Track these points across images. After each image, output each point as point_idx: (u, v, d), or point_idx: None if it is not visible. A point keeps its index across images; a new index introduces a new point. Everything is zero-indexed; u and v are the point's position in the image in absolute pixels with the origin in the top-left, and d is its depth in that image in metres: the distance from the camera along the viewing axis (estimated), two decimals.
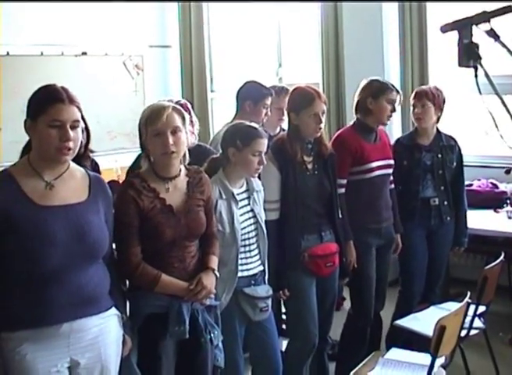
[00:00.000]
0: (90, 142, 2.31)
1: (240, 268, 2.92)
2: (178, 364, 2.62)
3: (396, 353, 3.24)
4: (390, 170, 3.74)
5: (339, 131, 3.90)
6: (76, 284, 2.16)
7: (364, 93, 3.68)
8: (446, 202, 3.92)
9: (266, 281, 3.08)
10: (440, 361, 2.97)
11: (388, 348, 3.51)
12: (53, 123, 2.11)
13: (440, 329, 2.71)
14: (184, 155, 2.59)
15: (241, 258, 2.94)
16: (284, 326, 3.90)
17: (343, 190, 3.55)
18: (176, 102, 2.96)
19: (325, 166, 3.37)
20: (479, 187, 5.01)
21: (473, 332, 3.42)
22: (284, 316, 3.83)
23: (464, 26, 1.64)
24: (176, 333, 2.50)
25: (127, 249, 2.48)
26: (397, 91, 3.70)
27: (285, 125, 3.80)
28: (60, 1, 5.74)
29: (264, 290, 3.01)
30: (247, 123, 3.06)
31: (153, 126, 2.50)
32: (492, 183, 5.04)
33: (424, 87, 4.18)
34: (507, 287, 4.92)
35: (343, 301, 4.78)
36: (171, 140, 2.48)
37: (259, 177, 3.11)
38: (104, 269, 2.30)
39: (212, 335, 2.62)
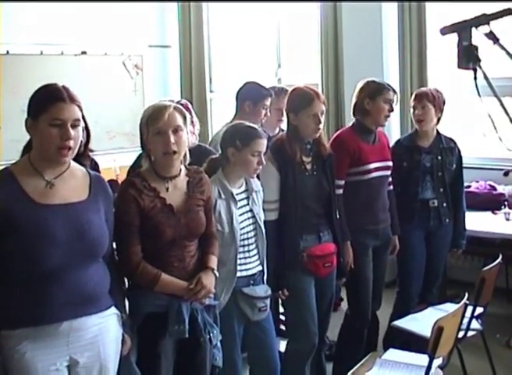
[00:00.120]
0: (90, 141, 2.32)
1: (238, 268, 2.93)
2: (177, 363, 2.62)
3: (393, 354, 3.24)
4: (388, 172, 3.75)
5: (337, 132, 3.90)
6: (76, 283, 2.16)
7: (361, 94, 3.69)
8: (445, 204, 3.93)
9: (265, 281, 3.09)
10: (437, 362, 2.97)
11: (385, 349, 3.51)
12: (54, 121, 2.11)
13: (438, 330, 2.72)
14: (185, 155, 2.60)
15: (240, 258, 2.94)
16: (282, 327, 3.90)
17: (340, 191, 3.55)
18: (177, 102, 2.96)
19: (323, 167, 3.38)
20: (477, 188, 5.03)
21: (470, 333, 3.43)
22: (282, 317, 3.84)
23: (463, 29, 1.64)
24: (176, 332, 2.51)
25: (128, 248, 2.49)
26: (394, 91, 3.71)
27: (284, 125, 3.81)
28: (60, 0, 5.75)
29: (262, 290, 3.02)
30: (247, 123, 3.07)
31: (154, 125, 2.51)
32: (490, 185, 5.05)
33: (424, 88, 4.19)
34: (505, 288, 4.94)
35: (341, 302, 4.78)
36: (172, 139, 2.49)
37: (258, 177, 3.11)
38: (104, 268, 2.30)
39: (211, 335, 2.62)
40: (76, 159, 2.28)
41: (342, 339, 3.84)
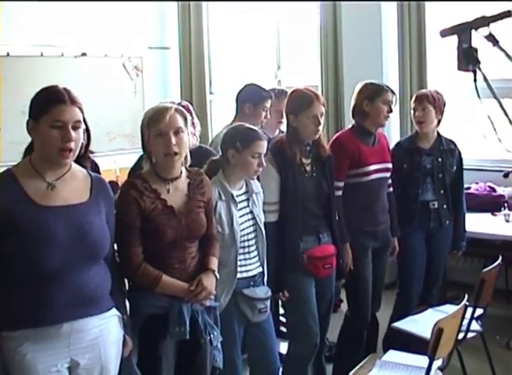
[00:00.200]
0: (90, 143, 2.32)
1: (239, 269, 2.93)
2: (177, 364, 2.62)
3: (393, 355, 3.24)
4: (388, 174, 3.75)
5: (337, 134, 3.90)
6: (77, 284, 2.17)
7: (360, 96, 3.69)
8: (445, 206, 3.94)
9: (265, 283, 3.09)
10: (437, 363, 2.97)
11: (385, 351, 3.51)
12: (55, 123, 2.12)
13: (438, 331, 2.72)
14: (186, 156, 2.60)
15: (240, 260, 2.95)
16: (282, 329, 3.91)
17: (340, 192, 3.55)
18: (178, 104, 2.97)
19: (322, 168, 3.38)
20: (477, 190, 5.03)
21: (470, 335, 3.43)
22: (282, 318, 3.84)
23: (463, 31, 1.65)
24: (177, 333, 2.51)
25: (129, 249, 2.49)
26: (392, 92, 3.71)
27: (283, 127, 3.82)
28: (60, 0, 5.75)
29: (263, 291, 3.02)
30: (247, 125, 3.08)
31: (156, 126, 2.52)
32: (489, 186, 5.06)
33: (424, 90, 4.20)
34: (504, 290, 4.94)
35: (341, 304, 4.79)
36: (173, 140, 2.50)
37: (258, 179, 3.12)
38: (105, 269, 2.31)
39: (212, 336, 2.62)
40: (76, 161, 2.28)
41: (342, 340, 3.84)
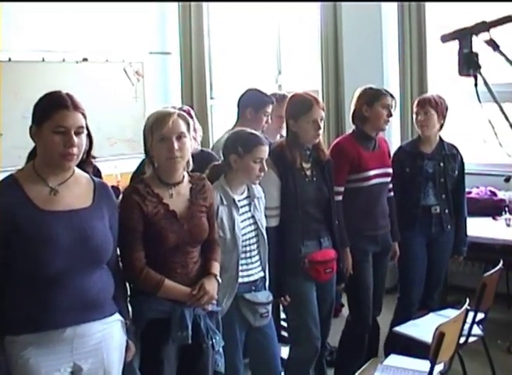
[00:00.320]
0: (92, 148, 2.33)
1: (240, 274, 2.94)
2: (179, 369, 2.62)
3: (394, 359, 3.24)
4: (388, 179, 3.75)
5: (337, 139, 3.91)
6: (80, 289, 2.17)
7: (359, 101, 3.70)
8: (447, 210, 3.93)
9: (267, 287, 3.09)
10: (439, 367, 2.98)
11: (386, 355, 3.51)
12: (57, 129, 2.13)
13: (439, 335, 2.73)
14: (188, 161, 2.61)
15: (242, 264, 2.95)
16: (284, 333, 3.90)
17: (340, 197, 3.56)
18: (179, 109, 2.98)
19: (322, 173, 3.39)
20: (478, 194, 5.03)
21: (471, 339, 3.44)
22: (284, 323, 3.84)
23: (463, 36, 1.66)
24: (179, 338, 2.51)
25: (131, 254, 2.50)
26: (392, 96, 3.72)
27: (284, 132, 3.82)
28: (61, 1, 5.77)
29: (264, 296, 3.02)
30: (249, 130, 3.08)
31: (158, 131, 2.53)
32: (490, 190, 5.06)
33: (427, 94, 4.19)
34: (505, 294, 4.94)
35: (342, 308, 4.79)
36: (176, 145, 2.51)
37: (259, 184, 3.12)
38: (108, 274, 2.31)
39: (214, 340, 2.63)
40: (79, 166, 2.29)
41: (343, 345, 3.84)
